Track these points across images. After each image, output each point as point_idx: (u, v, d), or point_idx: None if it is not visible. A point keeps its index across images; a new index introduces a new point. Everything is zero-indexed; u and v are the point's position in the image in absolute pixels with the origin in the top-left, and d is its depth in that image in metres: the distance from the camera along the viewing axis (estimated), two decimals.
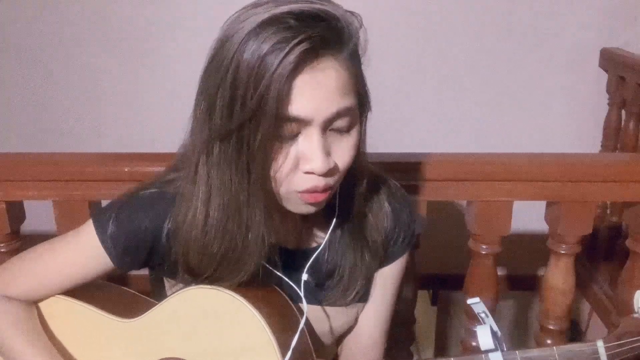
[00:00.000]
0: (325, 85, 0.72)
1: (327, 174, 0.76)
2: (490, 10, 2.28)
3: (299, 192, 0.78)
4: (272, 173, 0.76)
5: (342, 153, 0.78)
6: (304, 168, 0.76)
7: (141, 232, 0.88)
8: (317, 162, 0.75)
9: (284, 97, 0.71)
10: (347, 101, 0.75)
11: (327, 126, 0.75)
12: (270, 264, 0.87)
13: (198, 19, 2.24)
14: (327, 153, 0.76)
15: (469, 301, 0.81)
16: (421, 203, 1.27)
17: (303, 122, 0.74)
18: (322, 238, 0.93)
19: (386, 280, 1.00)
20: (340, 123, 0.76)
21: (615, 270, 2.08)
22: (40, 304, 0.97)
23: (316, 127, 0.74)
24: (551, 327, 1.42)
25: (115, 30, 2.29)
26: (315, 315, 0.95)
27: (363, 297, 0.98)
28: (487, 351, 0.76)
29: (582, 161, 1.33)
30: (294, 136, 0.75)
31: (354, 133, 0.79)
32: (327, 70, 0.72)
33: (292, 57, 0.69)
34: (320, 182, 0.77)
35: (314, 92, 0.72)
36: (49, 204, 1.27)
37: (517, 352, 0.76)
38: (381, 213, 0.94)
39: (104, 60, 2.32)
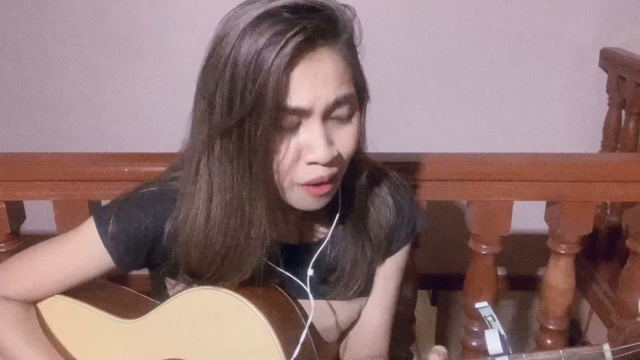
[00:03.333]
0: (323, 75, 0.73)
1: (331, 163, 0.77)
2: (491, 10, 2.28)
3: (303, 184, 0.78)
4: (274, 166, 0.77)
5: (345, 141, 0.78)
6: (307, 159, 0.76)
7: (142, 230, 0.88)
8: (320, 152, 0.75)
9: (282, 89, 0.71)
10: (346, 89, 0.76)
11: (327, 115, 0.76)
12: (272, 260, 0.87)
13: (197, 18, 2.24)
14: (330, 142, 0.76)
15: (477, 305, 0.81)
16: (421, 203, 1.27)
17: (303, 113, 0.74)
18: (323, 233, 0.93)
19: (389, 272, 1.00)
20: (340, 111, 0.77)
21: (615, 270, 2.08)
22: (40, 305, 0.96)
23: (316, 116, 0.75)
24: (551, 327, 1.41)
25: (115, 30, 2.29)
26: (318, 310, 0.95)
27: (365, 291, 0.98)
28: (495, 355, 0.75)
29: (582, 161, 1.32)
30: (295, 127, 0.76)
31: (355, 121, 0.79)
32: (323, 59, 0.73)
33: (288, 49, 0.70)
34: (325, 172, 0.77)
35: (312, 82, 0.73)
36: (49, 204, 1.27)
37: (523, 355, 0.76)
38: (384, 206, 0.94)
39: (104, 60, 2.32)
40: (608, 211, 2.28)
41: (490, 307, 0.81)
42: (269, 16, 0.71)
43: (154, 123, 2.32)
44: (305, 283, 0.89)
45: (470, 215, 1.32)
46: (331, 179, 0.79)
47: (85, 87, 2.35)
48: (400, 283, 1.04)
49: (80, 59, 2.32)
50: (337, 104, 0.75)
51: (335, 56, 0.74)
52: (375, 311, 1.01)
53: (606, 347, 0.74)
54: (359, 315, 1.01)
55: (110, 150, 1.34)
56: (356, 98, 0.79)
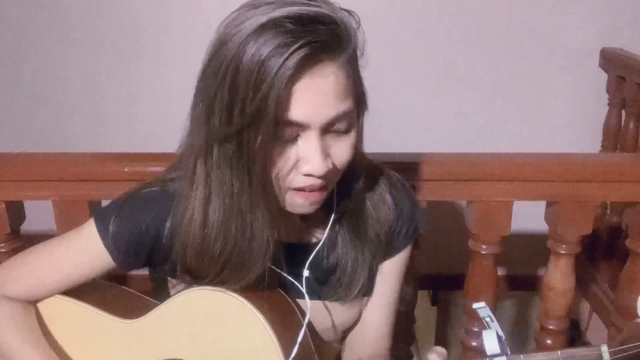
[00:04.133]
0: (325, 90, 0.73)
1: (325, 174, 0.77)
2: (490, 10, 2.28)
3: (294, 189, 0.79)
4: (272, 174, 0.77)
5: (341, 153, 0.79)
6: (302, 170, 0.77)
7: (143, 230, 0.88)
8: (316, 165, 0.76)
9: (283, 102, 0.71)
10: (346, 105, 0.76)
11: (326, 129, 0.76)
12: (275, 262, 0.87)
13: (197, 17, 2.24)
14: (326, 155, 0.77)
15: (475, 305, 0.81)
16: (421, 203, 1.27)
17: (302, 126, 0.74)
18: (321, 233, 0.93)
19: (390, 272, 1.00)
20: (339, 126, 0.77)
21: (615, 270, 2.08)
22: (40, 305, 0.96)
23: (315, 130, 0.75)
24: (551, 327, 1.41)
25: (115, 30, 2.29)
26: (318, 311, 0.95)
27: (366, 291, 0.98)
28: (492, 356, 0.75)
29: (582, 161, 1.33)
30: (294, 139, 0.76)
31: (352, 134, 0.80)
32: (326, 75, 0.73)
33: (291, 63, 0.69)
34: (317, 180, 0.78)
35: (313, 97, 0.73)
36: (49, 204, 1.27)
37: (521, 356, 0.76)
38: (383, 205, 0.94)
39: (104, 60, 2.32)
40: (608, 211, 2.28)
41: (488, 308, 0.81)
42: (272, 26, 0.71)
43: (153, 123, 2.32)
44: (302, 284, 0.89)
45: (470, 215, 1.32)
46: (322, 187, 0.80)
47: (85, 87, 2.35)
48: (401, 283, 1.03)
49: (80, 59, 2.32)
50: (336, 120, 0.76)
51: (338, 71, 0.74)
52: (376, 311, 1.01)
53: (604, 348, 0.74)
54: (359, 315, 1.01)
55: (110, 150, 1.34)
56: (355, 112, 0.79)
